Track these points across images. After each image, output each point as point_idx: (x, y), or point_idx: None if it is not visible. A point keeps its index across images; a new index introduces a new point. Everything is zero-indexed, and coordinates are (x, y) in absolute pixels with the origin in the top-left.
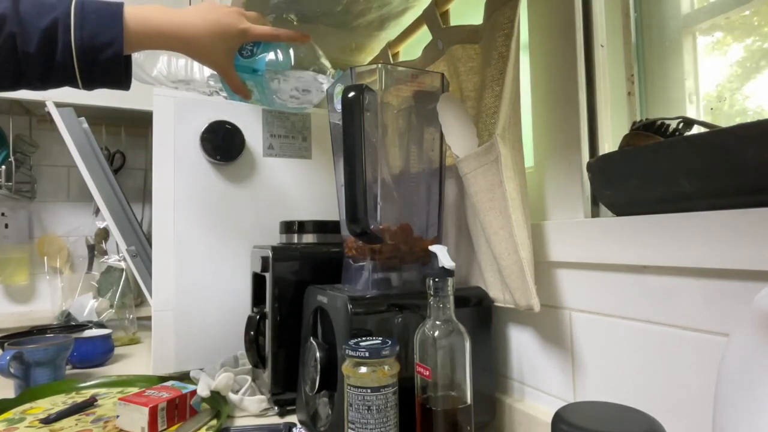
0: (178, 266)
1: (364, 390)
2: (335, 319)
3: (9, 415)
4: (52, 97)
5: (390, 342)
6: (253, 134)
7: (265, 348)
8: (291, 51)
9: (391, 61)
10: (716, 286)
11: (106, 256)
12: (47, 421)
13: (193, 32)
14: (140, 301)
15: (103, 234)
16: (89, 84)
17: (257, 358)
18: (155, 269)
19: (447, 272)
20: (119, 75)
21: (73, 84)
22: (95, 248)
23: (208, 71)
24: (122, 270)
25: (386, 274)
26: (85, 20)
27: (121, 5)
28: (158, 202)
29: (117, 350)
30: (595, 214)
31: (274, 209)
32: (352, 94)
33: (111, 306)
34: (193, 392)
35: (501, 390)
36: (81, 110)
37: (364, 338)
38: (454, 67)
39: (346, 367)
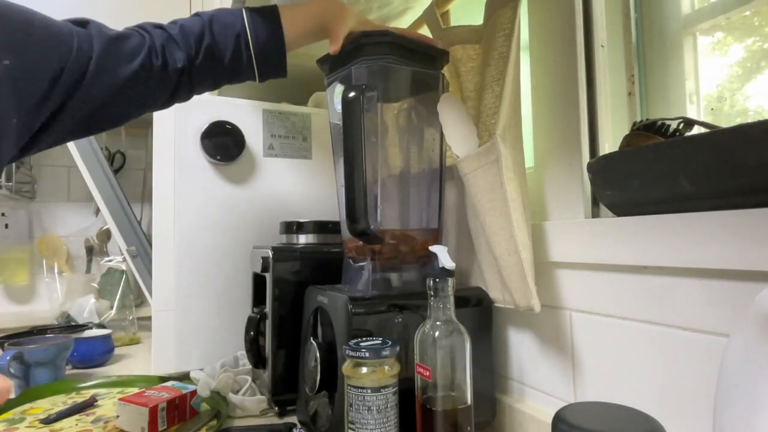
0: (178, 266)
1: (365, 390)
2: (335, 319)
3: (9, 415)
4: None
5: (390, 342)
6: (253, 134)
7: (265, 348)
8: None
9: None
10: (716, 287)
11: (107, 258)
12: (47, 421)
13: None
14: (140, 301)
15: (105, 236)
16: (263, 79)
17: (257, 359)
18: (155, 269)
19: (447, 272)
20: (284, 69)
21: (249, 80)
22: (93, 250)
23: None
24: (123, 272)
25: (386, 275)
26: (258, 34)
27: (277, 17)
28: (158, 202)
29: (117, 350)
30: (595, 214)
31: (274, 209)
32: (352, 94)
33: (111, 307)
34: (193, 392)
35: (501, 390)
36: None
37: (364, 338)
38: (454, 68)
39: (346, 368)
